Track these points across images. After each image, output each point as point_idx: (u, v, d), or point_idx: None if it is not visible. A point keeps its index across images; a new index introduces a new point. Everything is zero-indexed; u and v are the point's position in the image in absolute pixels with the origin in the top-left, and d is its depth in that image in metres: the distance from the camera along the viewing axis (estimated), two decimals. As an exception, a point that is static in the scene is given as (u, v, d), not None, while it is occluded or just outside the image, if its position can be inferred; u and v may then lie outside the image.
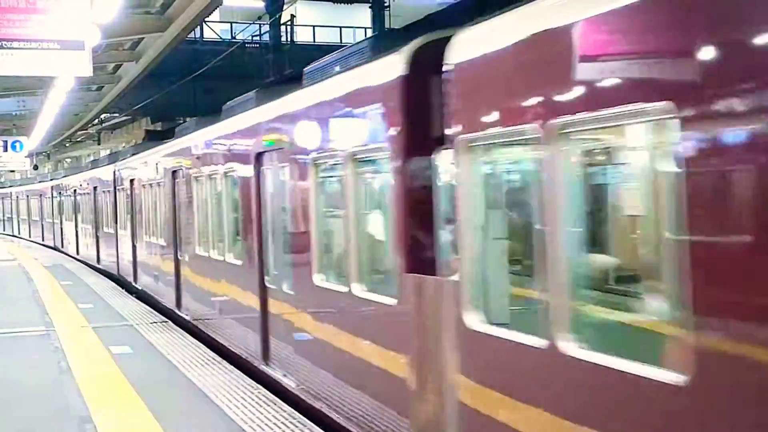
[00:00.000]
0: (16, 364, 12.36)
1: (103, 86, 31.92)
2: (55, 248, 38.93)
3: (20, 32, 12.11)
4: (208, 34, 37.48)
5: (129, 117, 46.83)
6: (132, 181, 21.00)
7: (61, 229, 37.25)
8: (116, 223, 23.78)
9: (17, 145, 39.96)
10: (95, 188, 27.70)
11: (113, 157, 26.44)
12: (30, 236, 48.58)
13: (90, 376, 11.22)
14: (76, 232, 32.82)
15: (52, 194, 40.23)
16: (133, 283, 21.42)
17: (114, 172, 24.02)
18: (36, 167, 58.27)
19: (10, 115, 40.71)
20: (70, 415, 9.34)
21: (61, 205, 36.98)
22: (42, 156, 69.02)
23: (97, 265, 27.76)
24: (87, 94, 33.87)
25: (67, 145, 63.41)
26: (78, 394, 10.21)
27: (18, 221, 54.49)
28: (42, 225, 44.26)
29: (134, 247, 21.13)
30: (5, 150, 39.53)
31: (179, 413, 9.31)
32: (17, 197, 54.85)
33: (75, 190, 32.79)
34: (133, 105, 37.82)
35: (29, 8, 12.13)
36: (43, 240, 43.34)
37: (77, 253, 32.74)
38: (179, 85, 32.55)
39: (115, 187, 23.89)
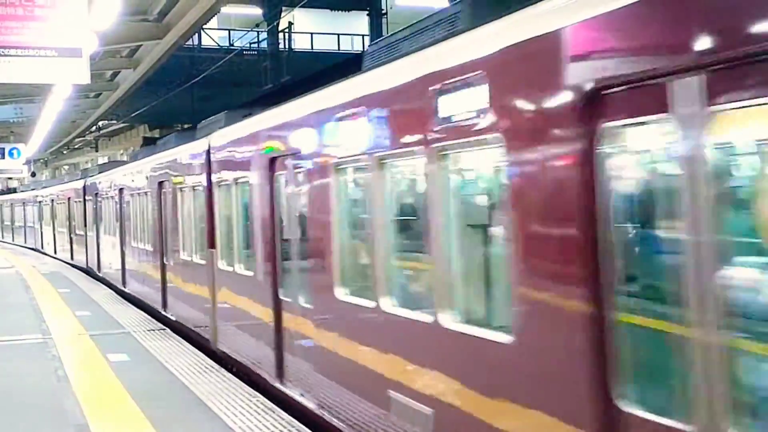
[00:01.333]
0: (13, 372, 12.30)
1: (100, 93, 31.97)
2: (88, 272, 28.41)
3: (18, 39, 12.10)
4: (206, 42, 37.53)
5: (127, 124, 46.96)
6: (274, 161, 10.30)
7: (97, 245, 26.46)
8: (214, 246, 13.43)
9: (15, 152, 40.00)
10: (160, 185, 17.32)
11: (203, 130, 14.77)
12: (55, 252, 36.93)
13: (87, 384, 11.18)
14: (123, 252, 22.24)
15: (84, 197, 29.16)
16: (280, 385, 10.28)
17: (207, 153, 13.59)
18: (33, 174, 58.37)
19: (7, 122, 40.81)
20: (67, 424, 9.29)
21: (98, 212, 26.27)
22: (39, 163, 69.09)
23: (163, 312, 17.60)
24: (85, 101, 33.93)
25: (65, 152, 63.50)
26: (75, 403, 10.16)
27: (41, 231, 42.39)
28: (71, 239, 32.72)
29: (278, 303, 10.26)
30: (2, 157, 39.55)
31: (177, 422, 9.27)
32: (40, 202, 42.49)
33: (121, 190, 22.17)
34: (130, 112, 37.94)
35: (27, 15, 12.12)
36: (72, 258, 32.40)
37: (123, 284, 22.37)
38: (177, 92, 32.60)
39: (209, 182, 13.53)
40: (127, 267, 21.88)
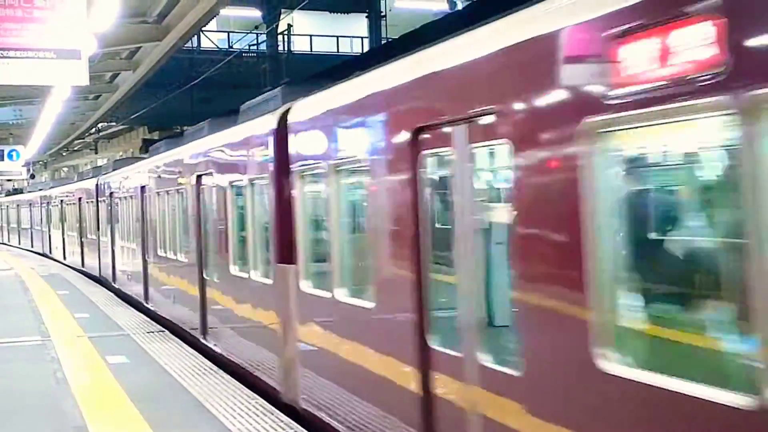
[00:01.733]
0: (12, 373, 12.30)
1: (100, 95, 31.95)
2: (100, 281, 25.39)
3: (17, 41, 12.10)
4: (205, 44, 37.57)
5: (126, 126, 46.93)
6: (421, 134, 6.59)
7: (112, 251, 23.36)
8: (292, 260, 9.57)
9: (14, 154, 39.97)
10: (199, 180, 13.83)
11: (248, 113, 12.12)
12: (64, 258, 34.19)
13: (86, 386, 11.17)
14: (145, 261, 18.79)
15: (96, 197, 25.93)
16: None
17: (277, 134, 9.88)
18: (33, 176, 58.34)
19: (7, 124, 40.79)
20: (66, 426, 9.28)
21: (113, 214, 23.15)
22: (39, 165, 69.07)
23: (202, 340, 14.08)
24: (84, 103, 33.91)
25: (64, 154, 63.46)
26: (74, 404, 10.15)
27: (49, 235, 39.09)
28: (81, 244, 29.85)
29: (427, 356, 6.65)
30: (2, 159, 39.51)
31: (176, 424, 9.26)
32: (47, 203, 39.14)
33: (142, 188, 18.76)
34: (130, 114, 37.92)
35: (26, 17, 12.12)
36: (82, 265, 29.66)
37: (146, 299, 18.99)
38: (176, 94, 32.59)
39: (283, 172, 9.69)
40: (150, 279, 18.33)
